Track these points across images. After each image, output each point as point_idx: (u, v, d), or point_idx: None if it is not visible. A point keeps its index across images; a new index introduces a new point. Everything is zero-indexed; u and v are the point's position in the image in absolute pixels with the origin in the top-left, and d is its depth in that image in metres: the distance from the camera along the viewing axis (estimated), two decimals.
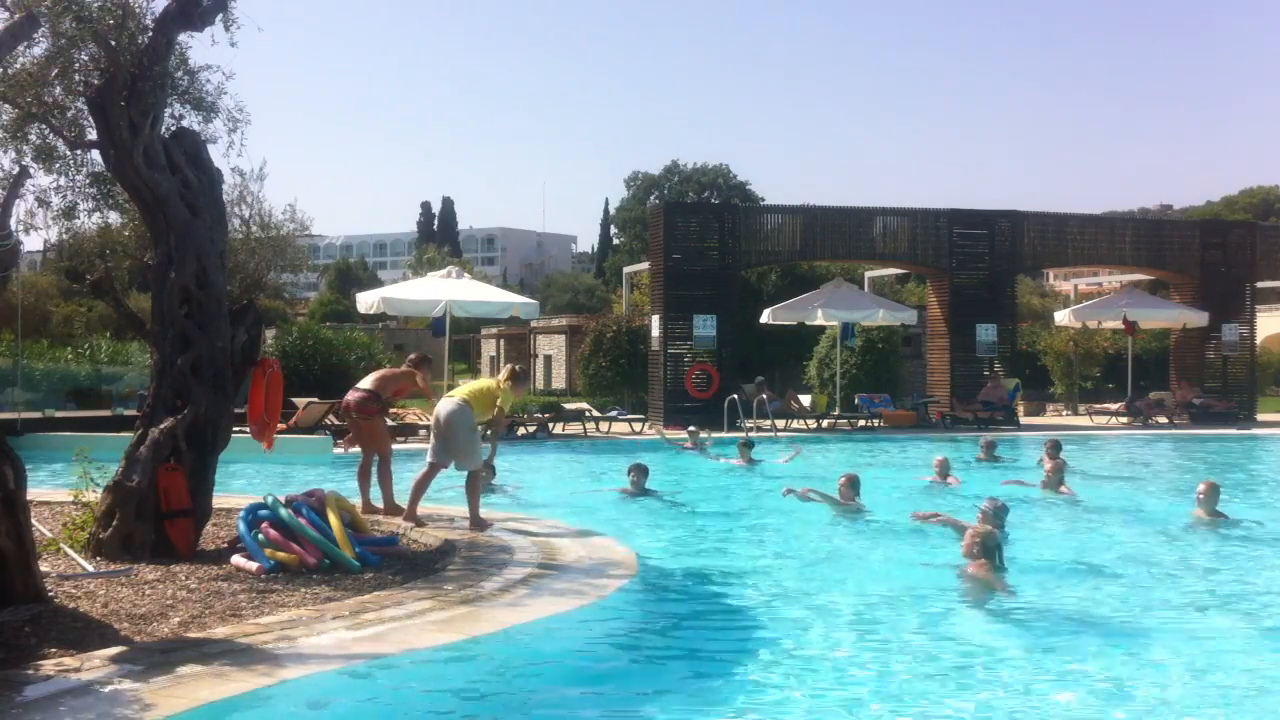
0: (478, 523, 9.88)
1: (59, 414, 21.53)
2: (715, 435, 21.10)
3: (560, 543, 9.18)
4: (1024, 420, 27.34)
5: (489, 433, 11.69)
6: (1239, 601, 8.37)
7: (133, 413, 15.67)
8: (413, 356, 11.89)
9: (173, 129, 8.84)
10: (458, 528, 9.83)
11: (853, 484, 11.94)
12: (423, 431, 20.99)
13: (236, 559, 7.98)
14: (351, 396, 11.08)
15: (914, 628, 7.34)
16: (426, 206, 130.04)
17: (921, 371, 30.76)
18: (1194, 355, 29.53)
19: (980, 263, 27.74)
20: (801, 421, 25.96)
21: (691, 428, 20.57)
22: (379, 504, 10.74)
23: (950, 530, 9.84)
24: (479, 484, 10.20)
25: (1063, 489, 13.33)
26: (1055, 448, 15.44)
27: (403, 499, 10.56)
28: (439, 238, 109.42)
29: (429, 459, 10.24)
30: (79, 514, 8.76)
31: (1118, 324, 29.34)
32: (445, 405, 10.21)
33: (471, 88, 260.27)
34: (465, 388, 10.66)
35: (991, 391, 26.35)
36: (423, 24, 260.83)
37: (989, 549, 8.36)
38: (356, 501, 10.27)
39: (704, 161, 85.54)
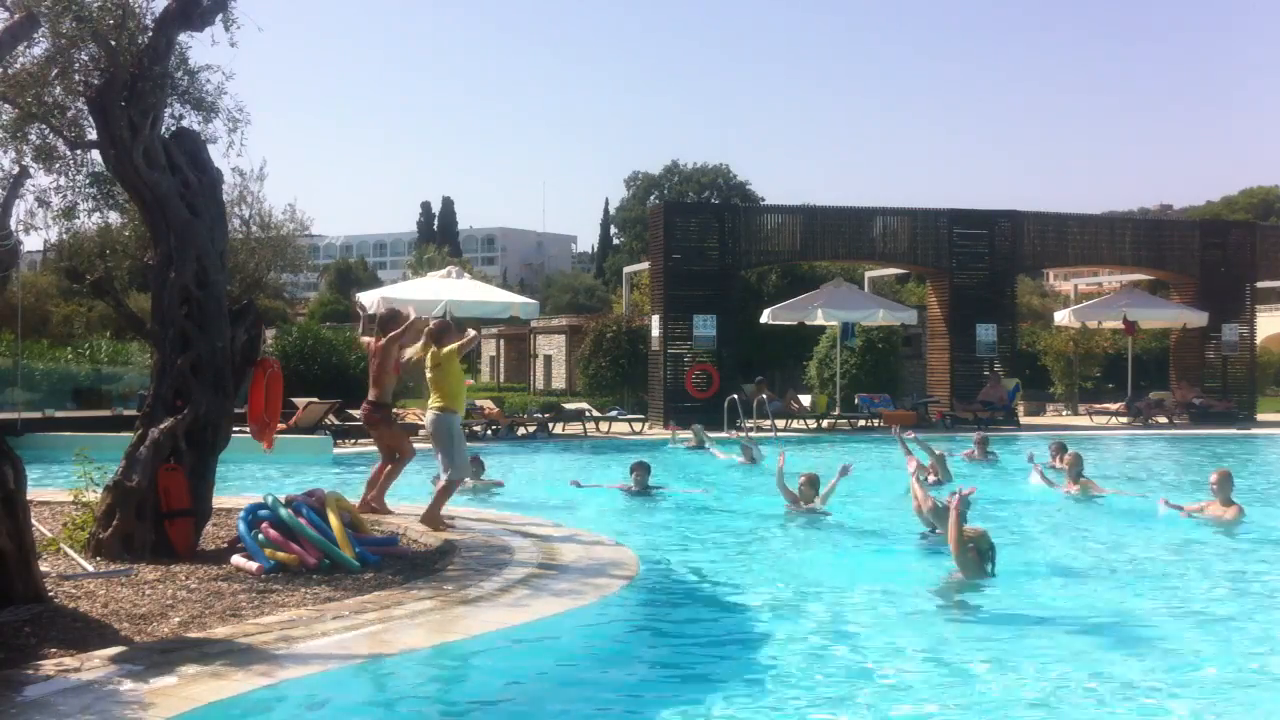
0: (433, 519, 9.77)
1: (59, 414, 21.53)
2: (714, 435, 21.08)
3: (560, 543, 9.18)
4: (1024, 420, 27.34)
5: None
6: (1242, 602, 8.37)
7: (133, 413, 15.65)
8: (380, 314, 11.33)
9: (173, 129, 8.84)
10: (458, 529, 9.83)
11: (813, 484, 11.85)
12: (422, 431, 21.01)
13: (236, 559, 7.98)
14: (362, 411, 11.01)
15: (914, 629, 7.34)
16: (426, 206, 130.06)
17: (921, 371, 30.76)
18: (1194, 355, 29.53)
19: (980, 263, 27.74)
20: (801, 421, 25.96)
21: (696, 426, 20.61)
22: (387, 506, 10.70)
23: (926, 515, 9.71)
24: (451, 491, 10.11)
25: (1078, 486, 13.25)
26: (1061, 449, 15.38)
27: (399, 503, 10.55)
28: (439, 238, 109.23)
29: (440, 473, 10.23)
30: (79, 514, 8.75)
31: (1118, 324, 29.34)
32: (428, 414, 10.21)
33: (471, 88, 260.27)
34: (438, 393, 10.18)
35: (991, 391, 26.34)
36: (423, 24, 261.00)
37: (982, 552, 8.33)
38: (358, 501, 10.25)
39: (704, 161, 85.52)
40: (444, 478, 10.02)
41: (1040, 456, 15.35)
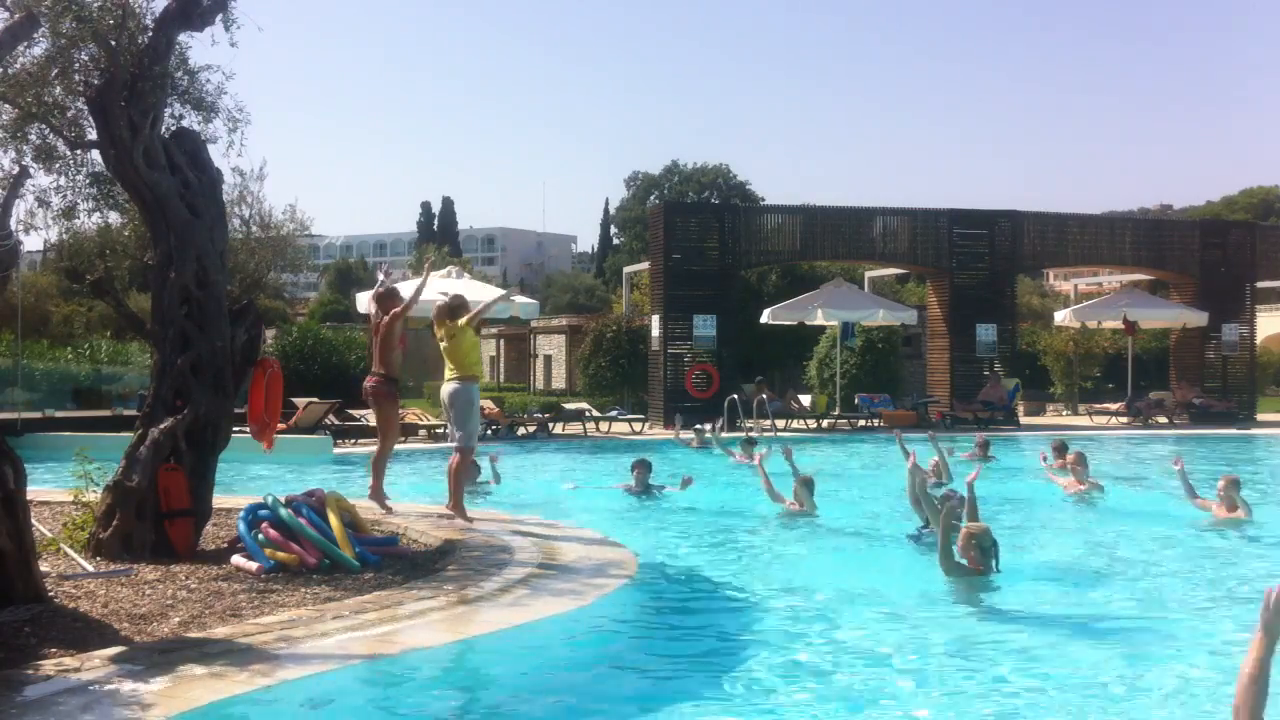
0: (459, 509, 9.86)
1: (59, 414, 21.54)
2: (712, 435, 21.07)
3: (560, 543, 9.18)
4: (1024, 420, 27.34)
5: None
6: (1244, 602, 8.37)
7: (133, 413, 15.66)
8: (378, 291, 11.35)
9: (173, 129, 8.84)
10: (459, 528, 9.82)
11: (807, 486, 11.84)
12: (422, 432, 21.02)
13: (236, 559, 7.99)
14: (368, 383, 10.92)
15: (914, 629, 7.34)
16: (426, 206, 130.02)
17: (921, 371, 30.75)
18: (1194, 355, 29.53)
19: (980, 263, 27.73)
20: (801, 421, 25.97)
21: (699, 426, 20.60)
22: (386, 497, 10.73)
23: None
24: (467, 469, 10.24)
25: (1085, 485, 13.23)
26: (1062, 448, 15.35)
27: (399, 498, 10.53)
28: (439, 238, 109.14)
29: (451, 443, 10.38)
30: (79, 514, 8.76)
31: (1118, 324, 29.34)
32: (445, 387, 10.44)
33: (471, 88, 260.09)
34: (455, 364, 10.46)
35: (991, 391, 26.34)
36: (422, 24, 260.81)
37: (985, 549, 8.33)
38: (358, 501, 10.23)
39: (704, 161, 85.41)
40: (456, 454, 10.14)
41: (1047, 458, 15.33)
